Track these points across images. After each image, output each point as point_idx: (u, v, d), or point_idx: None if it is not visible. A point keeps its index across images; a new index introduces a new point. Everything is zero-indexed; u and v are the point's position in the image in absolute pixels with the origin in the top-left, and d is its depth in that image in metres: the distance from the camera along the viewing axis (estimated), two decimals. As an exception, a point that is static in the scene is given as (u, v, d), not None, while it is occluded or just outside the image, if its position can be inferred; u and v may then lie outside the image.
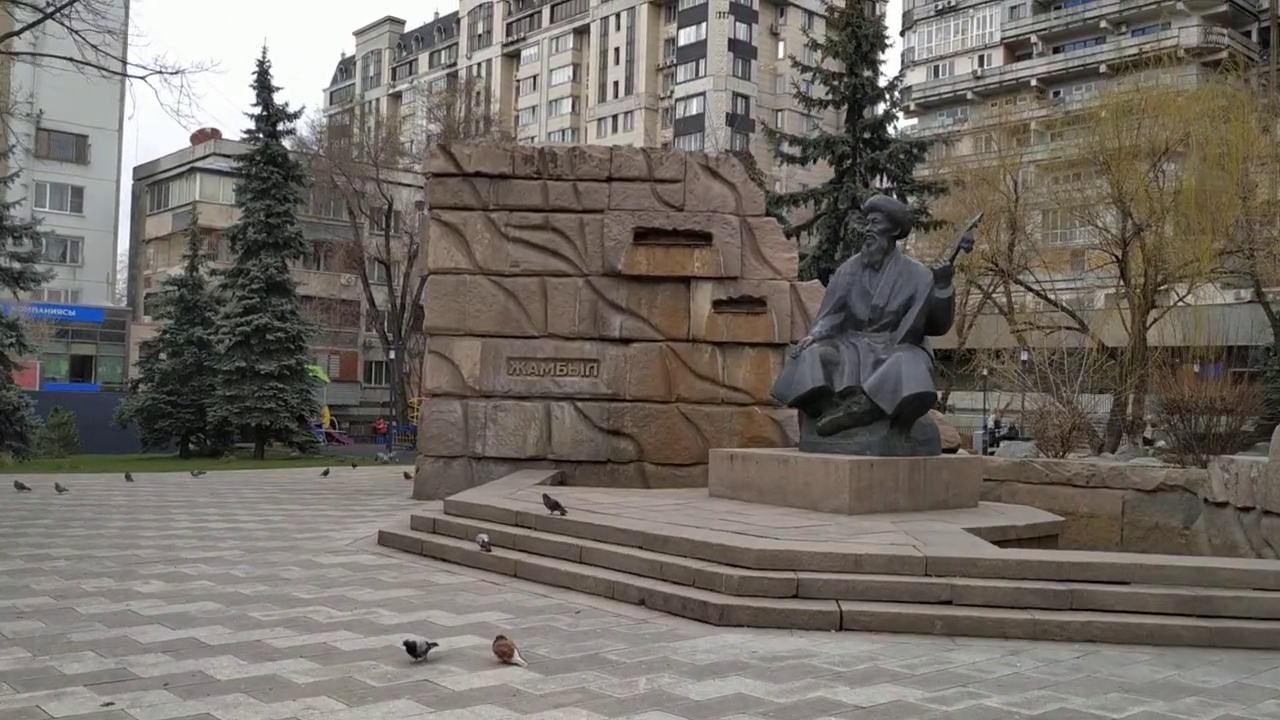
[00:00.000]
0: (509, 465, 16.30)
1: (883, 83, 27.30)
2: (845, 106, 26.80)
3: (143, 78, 15.43)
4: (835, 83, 27.23)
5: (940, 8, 74.41)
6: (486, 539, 10.22)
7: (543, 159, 16.72)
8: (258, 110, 35.40)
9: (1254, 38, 66.07)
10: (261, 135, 35.25)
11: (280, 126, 35.81)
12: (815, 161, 28.11)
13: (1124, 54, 62.24)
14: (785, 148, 27.38)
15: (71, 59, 15.83)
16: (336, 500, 16.89)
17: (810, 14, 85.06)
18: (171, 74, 15.44)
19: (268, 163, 34.81)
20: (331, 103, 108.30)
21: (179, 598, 8.49)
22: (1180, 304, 32.22)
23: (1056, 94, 69.82)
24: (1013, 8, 72.54)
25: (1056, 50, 70.65)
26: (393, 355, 45.34)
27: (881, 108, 26.98)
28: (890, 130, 27.23)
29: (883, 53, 27.97)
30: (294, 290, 35.32)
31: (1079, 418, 15.32)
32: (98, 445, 35.97)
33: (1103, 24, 67.29)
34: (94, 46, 15.31)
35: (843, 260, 25.61)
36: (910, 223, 12.84)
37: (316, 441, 37.21)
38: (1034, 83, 69.24)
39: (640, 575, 8.90)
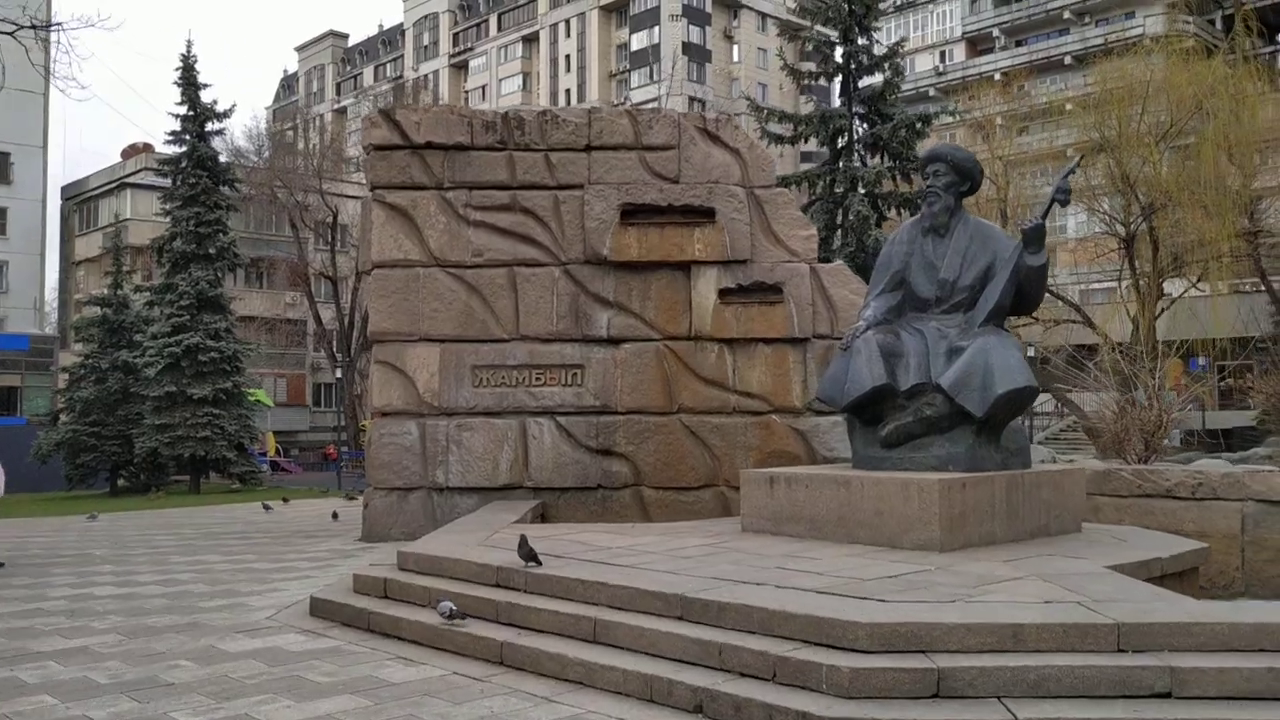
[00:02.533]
0: (478, 496, 13.41)
1: (879, 51, 24.75)
2: (839, 78, 24.24)
3: (10, 33, 12.33)
4: (827, 51, 24.59)
5: (899, 3, 72.52)
6: (452, 607, 7.37)
7: (507, 125, 13.90)
8: (183, 110, 32.16)
9: (1219, 25, 64.84)
10: (188, 137, 32.00)
11: (209, 127, 32.54)
12: (806, 140, 25.51)
13: (1089, 45, 61.11)
14: (773, 125, 24.70)
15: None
16: (267, 547, 13.86)
17: (764, 16, 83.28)
18: (44, 29, 12.36)
19: (196, 166, 31.58)
20: (275, 120, 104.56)
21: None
22: (1193, 290, 30.09)
23: (1021, 88, 68.32)
24: (973, 1, 70.90)
25: (1019, 44, 68.98)
26: (339, 375, 42.00)
27: (879, 78, 24.43)
28: (890, 100, 24.67)
29: (878, 19, 25.49)
30: (229, 306, 32.06)
31: (1164, 415, 12.82)
32: (20, 484, 32.41)
33: (1065, 15, 65.72)
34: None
35: (843, 251, 23.13)
36: (981, 175, 10.13)
37: (259, 472, 33.92)
38: (997, 77, 67.48)
39: (689, 664, 6.09)
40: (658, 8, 79.98)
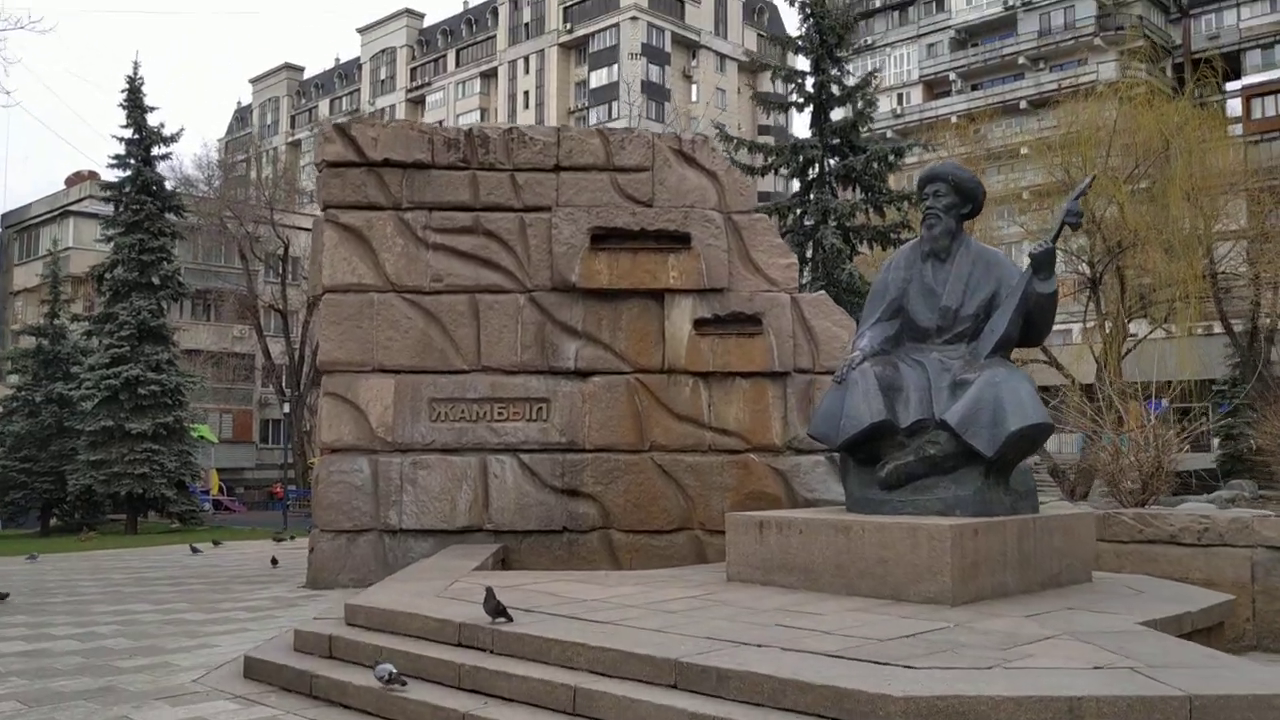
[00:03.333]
0: (434, 540, 12.41)
1: (851, 81, 24.26)
2: (809, 109, 23.71)
3: (-70, 34, 11.29)
4: (799, 80, 24.06)
5: (857, 47, 73.03)
6: (391, 670, 6.42)
7: (471, 143, 13.06)
8: (129, 133, 30.96)
9: (1169, 74, 65.89)
10: (133, 161, 30.77)
11: (155, 151, 31.34)
12: (777, 171, 24.94)
13: (1044, 90, 61.86)
14: (742, 156, 24.10)
15: None
16: (202, 594, 12.74)
17: (723, 57, 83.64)
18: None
19: (140, 191, 30.34)
20: (227, 152, 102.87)
21: None
22: (1159, 331, 29.84)
23: (977, 131, 68.88)
24: (930, 45, 71.51)
25: (975, 88, 69.62)
26: (288, 410, 40.60)
27: (851, 110, 23.92)
28: (864, 133, 24.18)
29: (848, 50, 25.04)
30: (172, 337, 30.72)
31: (1164, 456, 12.15)
32: (-51, 524, 30.86)
33: (1020, 60, 66.45)
34: None
35: (813, 285, 22.47)
36: (983, 196, 9.45)
37: (200, 511, 32.44)
38: (954, 119, 67.97)
39: (688, 744, 5.20)
40: (617, 46, 79.90)
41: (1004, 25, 67.17)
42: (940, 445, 8.60)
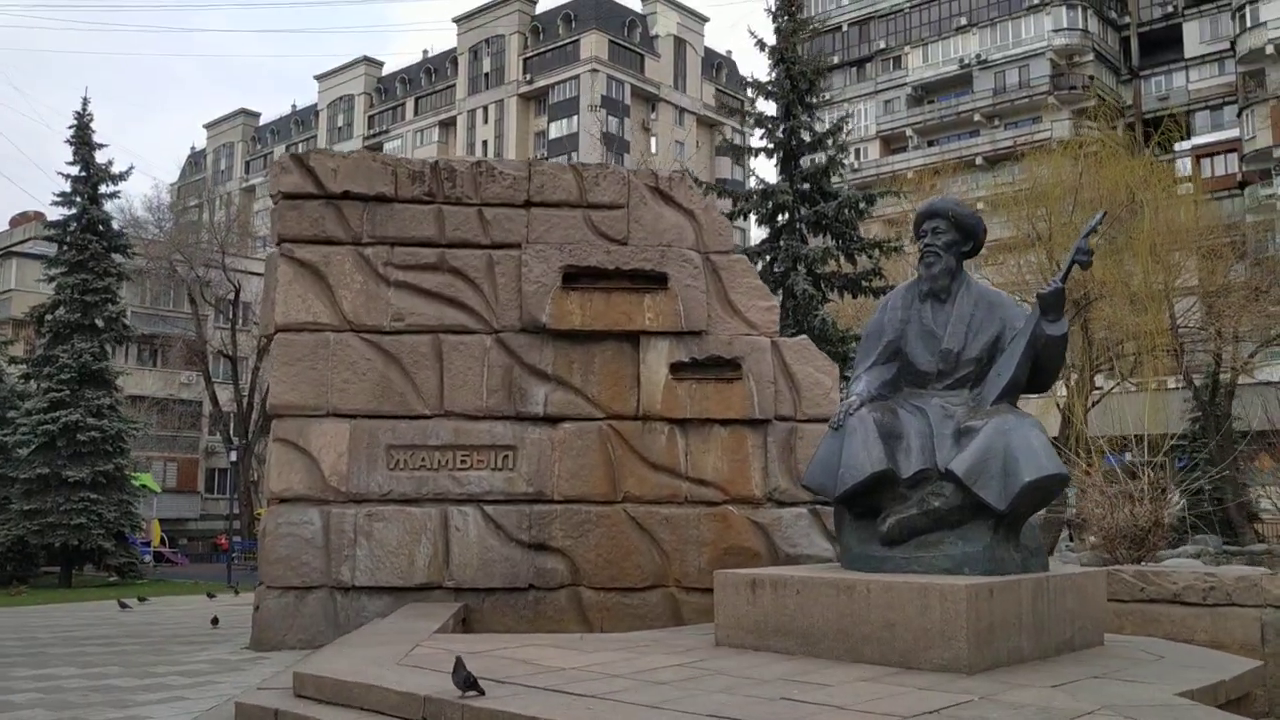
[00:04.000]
0: (389, 598, 11.55)
1: (821, 127, 24.00)
2: (779, 154, 23.41)
3: None
4: (769, 126, 23.76)
5: (813, 103, 73.75)
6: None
7: (437, 176, 12.41)
8: (75, 170, 29.96)
9: (1120, 131, 67.08)
10: (79, 199, 29.75)
11: (103, 189, 30.33)
12: (746, 217, 24.55)
13: (999, 146, 62.77)
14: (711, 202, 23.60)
15: None
16: (135, 656, 11.71)
17: (681, 110, 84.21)
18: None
19: (85, 230, 29.28)
20: (179, 196, 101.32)
21: None
22: (1124, 385, 29.70)
23: (934, 185, 69.51)
24: (887, 102, 72.31)
25: (931, 144, 70.37)
26: (235, 459, 39.27)
27: (823, 155, 23.64)
28: (835, 179, 23.88)
29: (818, 97, 24.82)
30: (114, 381, 29.51)
31: (1160, 510, 11.65)
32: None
33: (976, 117, 67.34)
34: None
35: (784, 332, 21.93)
36: (984, 235, 8.93)
37: (140, 563, 31.02)
38: (910, 174, 68.59)
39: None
40: (576, 98, 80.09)
41: (960, 83, 68.12)
42: (945, 497, 8.00)
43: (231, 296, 44.45)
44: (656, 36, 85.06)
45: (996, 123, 66.45)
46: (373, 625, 10.07)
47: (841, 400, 8.76)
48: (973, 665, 6.83)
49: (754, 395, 12.09)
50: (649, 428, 12.08)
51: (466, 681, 6.06)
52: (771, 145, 23.80)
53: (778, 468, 12.04)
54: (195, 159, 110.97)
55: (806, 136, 23.77)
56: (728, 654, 7.69)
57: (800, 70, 23.49)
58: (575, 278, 12.12)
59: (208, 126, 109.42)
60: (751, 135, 25.03)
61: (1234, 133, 55.73)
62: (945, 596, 6.98)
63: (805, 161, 23.64)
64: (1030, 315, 8.36)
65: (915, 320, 8.79)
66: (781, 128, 23.77)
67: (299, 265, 12.12)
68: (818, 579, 7.73)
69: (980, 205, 40.98)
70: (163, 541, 45.83)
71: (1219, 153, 55.89)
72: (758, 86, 24.89)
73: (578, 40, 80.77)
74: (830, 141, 23.88)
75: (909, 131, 70.72)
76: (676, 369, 12.09)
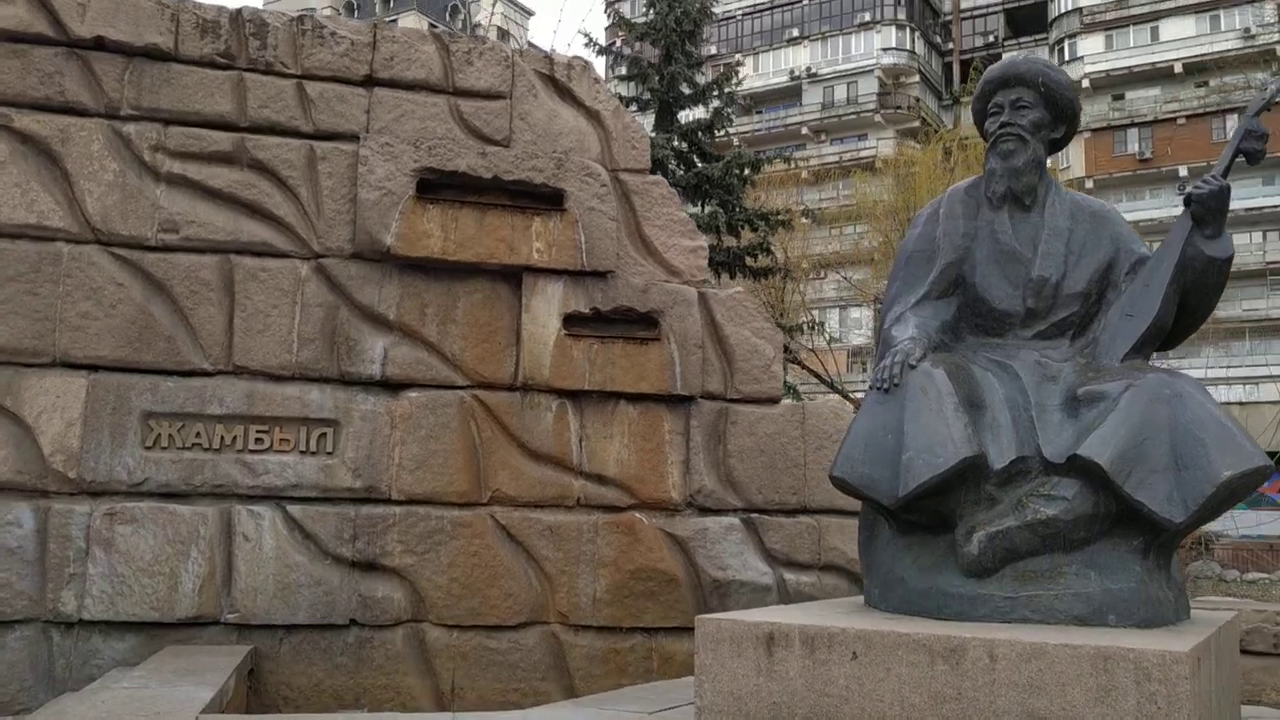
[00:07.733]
0: (137, 637, 7.71)
1: (703, 80, 21.10)
2: (655, 107, 20.33)
3: None
4: (648, 70, 20.63)
5: (694, 53, 71.98)
6: None
7: (239, 31, 8.65)
8: None
9: (940, 155, 68.06)
10: None
11: None
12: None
13: (825, 161, 62.54)
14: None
15: None
16: None
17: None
18: None
19: None
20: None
21: None
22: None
23: (756, 199, 68.96)
24: (715, 111, 71.16)
25: (759, 154, 69.57)
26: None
27: (702, 111, 20.76)
28: (721, 136, 21.05)
29: (699, 47, 21.93)
30: None
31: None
32: None
33: (804, 130, 66.92)
34: None
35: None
36: (1079, 118, 6.03)
37: None
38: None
39: None
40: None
41: (789, 95, 67.62)
42: (1066, 501, 5.02)
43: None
44: (479, 25, 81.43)
45: (823, 138, 66.30)
46: (103, 692, 6.25)
47: (883, 348, 5.65)
48: (1197, 792, 3.87)
49: (675, 363, 8.90)
50: (531, 402, 8.69)
51: None
52: (648, 95, 20.72)
53: (703, 462, 8.91)
54: None
55: (686, 89, 20.82)
56: (737, 764, 4.43)
57: (684, 10, 20.48)
58: (436, 187, 8.61)
59: None
60: (612, 86, 21.90)
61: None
62: (1147, 673, 3.97)
63: (684, 117, 20.69)
64: (1176, 228, 5.53)
65: (986, 236, 5.83)
66: (658, 77, 20.72)
67: (20, 140, 8.10)
68: (887, 634, 4.58)
69: (804, 220, 39.98)
70: None
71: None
72: (629, 26, 21.75)
73: (395, 20, 76.32)
74: (718, 90, 21.02)
75: (736, 140, 69.70)
76: (572, 322, 8.76)
